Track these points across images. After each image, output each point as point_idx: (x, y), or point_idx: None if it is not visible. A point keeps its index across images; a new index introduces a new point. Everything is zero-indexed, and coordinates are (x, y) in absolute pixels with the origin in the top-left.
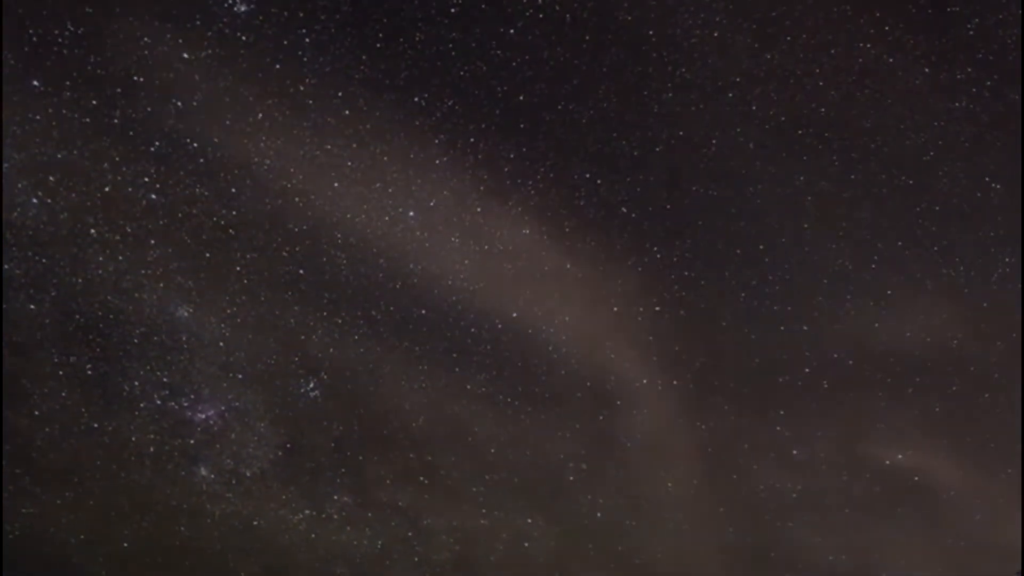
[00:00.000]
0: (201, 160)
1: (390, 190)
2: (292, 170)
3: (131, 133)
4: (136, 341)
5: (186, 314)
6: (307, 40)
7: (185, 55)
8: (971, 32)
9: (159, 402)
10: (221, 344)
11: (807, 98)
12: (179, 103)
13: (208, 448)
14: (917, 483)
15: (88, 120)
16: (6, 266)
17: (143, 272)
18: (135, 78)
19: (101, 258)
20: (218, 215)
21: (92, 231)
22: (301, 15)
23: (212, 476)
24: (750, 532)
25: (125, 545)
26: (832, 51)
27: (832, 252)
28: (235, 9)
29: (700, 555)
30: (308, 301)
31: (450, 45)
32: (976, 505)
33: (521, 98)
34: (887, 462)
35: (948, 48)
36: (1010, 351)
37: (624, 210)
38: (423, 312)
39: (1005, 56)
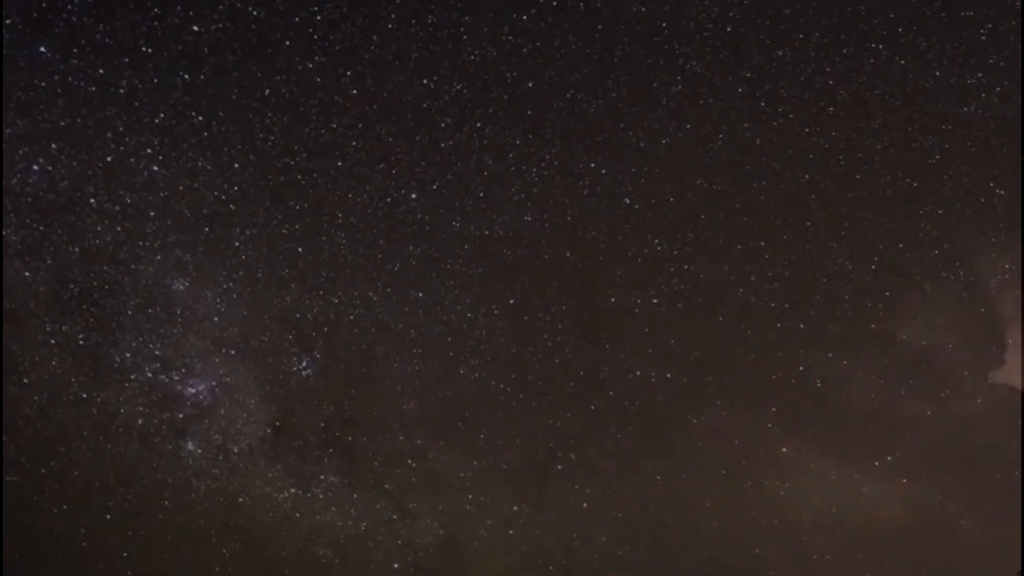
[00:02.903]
0: (205, 134)
1: (393, 171)
2: (296, 147)
3: (136, 104)
4: (130, 313)
5: (182, 287)
6: (318, 18)
7: (195, 27)
8: (983, 37)
9: (150, 375)
10: (215, 319)
11: (816, 96)
12: (186, 75)
13: (197, 423)
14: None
15: (93, 89)
16: (3, 232)
17: (141, 244)
18: (143, 48)
19: (99, 228)
20: (219, 190)
21: (92, 200)
22: None
23: (199, 451)
24: (737, 527)
25: (108, 517)
26: (843, 51)
27: (833, 251)
28: None
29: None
30: (305, 279)
31: (461, 29)
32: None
33: (530, 85)
34: (876, 463)
35: (960, 52)
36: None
37: (627, 201)
38: (420, 295)
39: (1016, 62)
